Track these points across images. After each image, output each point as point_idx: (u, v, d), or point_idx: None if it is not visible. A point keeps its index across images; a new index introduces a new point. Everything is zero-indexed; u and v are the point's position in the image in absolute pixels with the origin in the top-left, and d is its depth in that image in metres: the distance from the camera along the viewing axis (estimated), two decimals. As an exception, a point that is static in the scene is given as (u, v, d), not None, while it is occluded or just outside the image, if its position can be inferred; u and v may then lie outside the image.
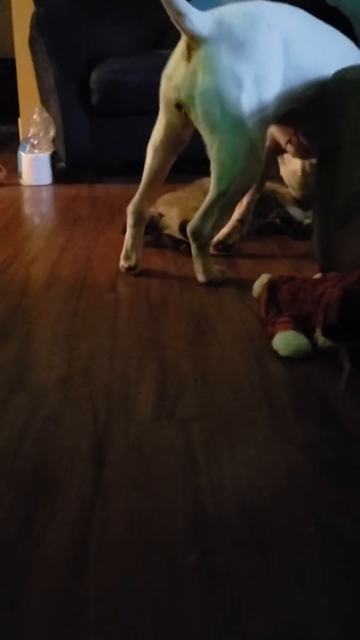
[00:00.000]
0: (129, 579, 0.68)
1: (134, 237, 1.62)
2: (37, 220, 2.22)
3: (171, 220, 1.87)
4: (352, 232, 1.28)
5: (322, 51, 1.48)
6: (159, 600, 0.65)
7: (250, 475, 0.84)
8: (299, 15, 1.50)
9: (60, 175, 2.93)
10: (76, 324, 1.31)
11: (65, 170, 2.92)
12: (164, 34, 3.39)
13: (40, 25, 2.65)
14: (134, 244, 1.62)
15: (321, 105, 1.43)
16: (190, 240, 1.52)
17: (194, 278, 1.57)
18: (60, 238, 1.97)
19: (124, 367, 1.13)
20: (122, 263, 1.63)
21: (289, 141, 1.74)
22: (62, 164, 2.96)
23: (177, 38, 3.48)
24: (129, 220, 1.62)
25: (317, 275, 1.35)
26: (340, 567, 0.69)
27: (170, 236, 1.84)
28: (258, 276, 1.46)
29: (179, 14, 1.33)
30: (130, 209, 1.62)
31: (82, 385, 1.06)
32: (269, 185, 1.97)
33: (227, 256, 1.75)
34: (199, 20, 1.36)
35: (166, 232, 1.86)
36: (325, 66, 1.45)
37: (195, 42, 1.37)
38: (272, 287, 1.30)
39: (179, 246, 1.80)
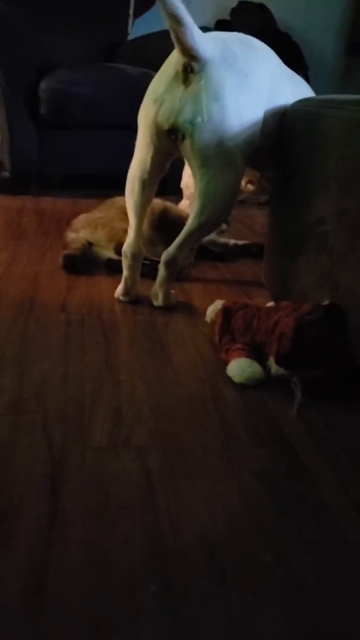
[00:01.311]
0: (88, 611, 0.66)
1: (133, 275, 1.56)
2: (-19, 232, 2.17)
3: (101, 245, 1.83)
4: (304, 262, 1.32)
5: (291, 92, 1.49)
6: (119, 632, 0.64)
7: (207, 505, 0.84)
8: (274, 54, 1.50)
9: (3, 186, 2.88)
10: (26, 346, 1.28)
11: (9, 180, 2.87)
12: (114, 49, 3.41)
13: (-10, 32, 2.60)
14: (133, 282, 1.57)
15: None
16: (163, 268, 1.49)
17: (147, 301, 1.57)
18: (4, 253, 1.92)
19: (78, 391, 1.11)
20: (122, 298, 1.58)
21: (249, 181, 1.75)
22: (6, 174, 2.91)
23: (128, 53, 3.47)
24: (127, 262, 1.54)
25: (270, 304, 1.38)
26: (296, 596, 0.70)
27: (111, 260, 1.80)
28: (209, 301, 1.48)
29: (184, 30, 1.24)
30: (127, 251, 1.53)
31: (34, 410, 1.04)
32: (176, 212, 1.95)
33: (179, 279, 1.75)
34: (202, 40, 1.28)
35: (106, 257, 1.83)
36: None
37: (197, 62, 1.29)
38: (226, 313, 1.32)
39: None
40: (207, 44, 1.30)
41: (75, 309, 1.51)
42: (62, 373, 1.18)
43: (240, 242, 2.03)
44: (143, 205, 1.51)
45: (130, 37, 3.56)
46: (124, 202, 1.95)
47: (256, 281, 1.79)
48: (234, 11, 3.75)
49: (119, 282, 1.68)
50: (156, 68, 3.10)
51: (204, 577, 0.73)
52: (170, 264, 1.48)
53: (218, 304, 1.44)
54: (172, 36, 1.27)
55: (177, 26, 1.25)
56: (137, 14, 3.67)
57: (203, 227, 1.43)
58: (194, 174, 1.39)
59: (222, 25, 3.76)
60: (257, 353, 1.22)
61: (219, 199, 1.39)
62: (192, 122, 1.32)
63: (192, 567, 0.74)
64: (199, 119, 1.31)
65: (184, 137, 1.34)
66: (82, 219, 1.95)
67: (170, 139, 1.36)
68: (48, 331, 1.36)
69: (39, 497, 0.83)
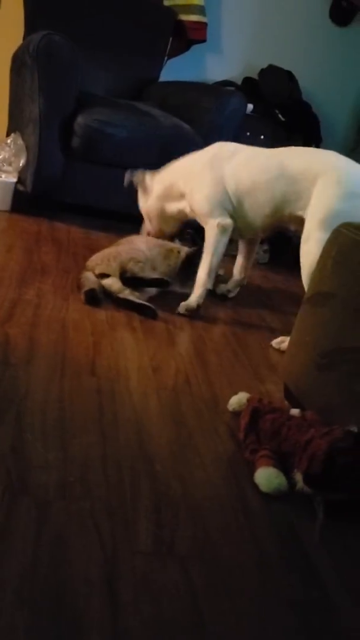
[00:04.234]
0: None
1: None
2: (2, 261, 2.19)
3: (115, 276, 2.07)
4: (334, 378, 1.41)
5: None
6: None
7: (250, 636, 0.91)
8: None
9: (17, 203, 2.89)
10: (64, 413, 1.33)
11: (25, 197, 2.88)
12: (145, 87, 3.47)
13: (40, 58, 2.62)
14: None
15: None
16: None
17: (165, 366, 1.63)
18: (30, 291, 1.95)
19: (118, 480, 1.16)
20: None
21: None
22: (21, 187, 2.92)
23: (157, 96, 3.54)
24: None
25: (295, 411, 1.46)
26: None
27: (93, 291, 1.99)
28: (225, 379, 1.58)
29: None
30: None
31: (81, 497, 1.09)
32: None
33: (196, 351, 1.83)
34: None
35: (122, 295, 2.04)
36: None
37: None
38: (254, 413, 1.39)
39: (140, 310, 2.01)
40: None
41: (104, 373, 1.56)
42: (102, 453, 1.23)
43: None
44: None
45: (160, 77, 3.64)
46: (140, 241, 2.28)
47: (265, 363, 1.88)
48: (262, 72, 3.87)
49: (139, 341, 1.81)
50: (182, 117, 3.17)
51: None
52: None
53: (243, 397, 1.51)
54: None
55: None
56: (170, 55, 3.74)
57: None
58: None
59: (249, 84, 3.87)
60: (282, 461, 1.30)
61: None
62: None
63: None
64: None
65: None
66: (94, 259, 2.16)
67: None
68: (82, 398, 1.41)
69: (100, 606, 0.88)
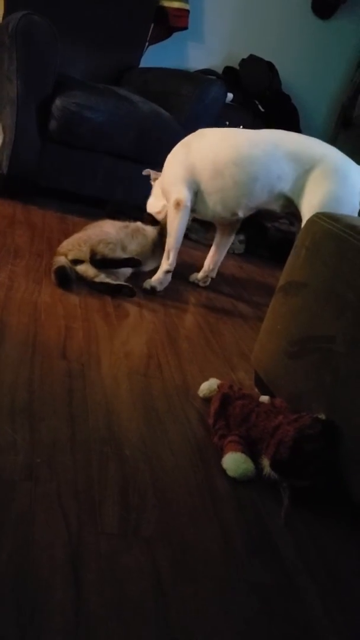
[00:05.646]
0: None
1: None
2: (-25, 240, 2.16)
3: (86, 260, 2.06)
4: (303, 366, 1.42)
5: None
6: None
7: (212, 619, 0.91)
8: None
9: (-6, 185, 2.85)
10: (33, 396, 1.32)
11: (1, 182, 2.84)
12: (124, 72, 3.44)
13: (19, 38, 2.57)
14: None
15: None
16: None
17: (138, 351, 1.63)
18: (2, 273, 1.93)
19: (86, 462, 1.16)
20: None
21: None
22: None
23: (136, 81, 3.53)
24: None
25: (264, 398, 1.47)
26: None
27: (63, 268, 2.00)
28: (197, 367, 1.57)
29: None
30: None
31: (49, 479, 1.08)
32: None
33: (169, 338, 1.83)
34: None
35: (97, 279, 2.04)
36: None
37: None
38: (224, 399, 1.40)
39: (113, 292, 2.04)
40: None
41: (75, 357, 1.55)
42: (70, 436, 1.22)
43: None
44: None
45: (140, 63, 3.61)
46: (107, 225, 2.26)
47: (237, 351, 1.89)
48: (243, 62, 3.86)
49: (112, 325, 1.80)
50: (161, 103, 3.15)
51: None
52: None
53: (214, 383, 1.52)
54: None
55: None
56: (151, 42, 3.72)
57: None
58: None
59: (229, 73, 3.86)
60: (250, 447, 1.31)
61: None
62: None
63: None
64: None
65: None
66: (65, 244, 2.14)
67: None
68: (52, 382, 1.40)
69: (64, 587, 0.87)
